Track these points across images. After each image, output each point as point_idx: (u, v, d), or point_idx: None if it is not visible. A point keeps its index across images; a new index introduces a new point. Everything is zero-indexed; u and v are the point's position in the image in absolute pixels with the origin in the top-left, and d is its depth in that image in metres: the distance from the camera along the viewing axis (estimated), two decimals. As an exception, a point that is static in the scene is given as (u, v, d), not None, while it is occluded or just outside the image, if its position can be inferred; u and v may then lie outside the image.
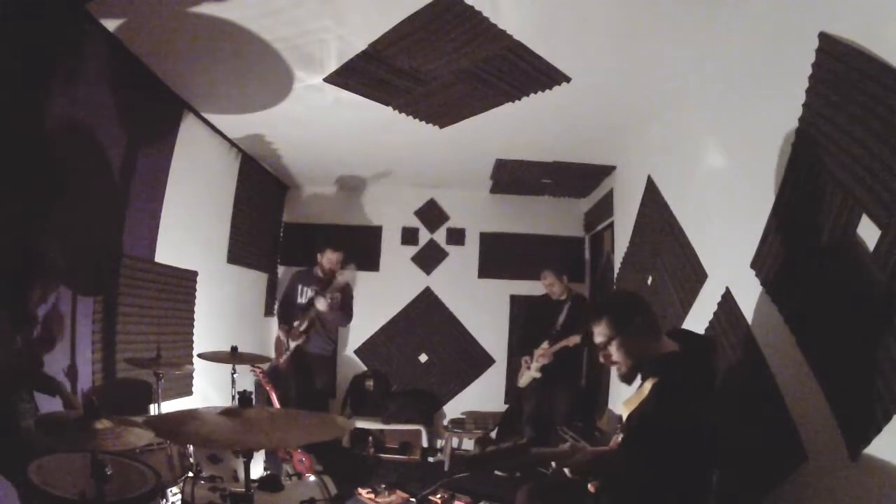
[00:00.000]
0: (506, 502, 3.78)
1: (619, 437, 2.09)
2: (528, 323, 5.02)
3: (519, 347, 4.98)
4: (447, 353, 5.68)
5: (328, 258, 4.60)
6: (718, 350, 2.35)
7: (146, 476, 1.79)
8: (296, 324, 4.49)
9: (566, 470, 2.02)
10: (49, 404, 2.20)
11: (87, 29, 2.54)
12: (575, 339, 4.44)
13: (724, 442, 2.25)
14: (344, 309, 4.58)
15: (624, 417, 2.06)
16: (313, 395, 4.51)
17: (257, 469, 3.08)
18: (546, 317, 4.70)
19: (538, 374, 4.56)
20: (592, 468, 2.00)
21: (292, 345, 4.47)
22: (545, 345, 4.57)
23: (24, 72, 2.21)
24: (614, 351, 1.99)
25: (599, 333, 2.01)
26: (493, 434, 5.21)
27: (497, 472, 4.34)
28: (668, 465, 1.76)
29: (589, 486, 2.02)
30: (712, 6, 2.33)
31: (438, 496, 3.87)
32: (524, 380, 4.71)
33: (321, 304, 4.39)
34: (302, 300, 4.61)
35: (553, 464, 2.05)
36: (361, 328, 5.62)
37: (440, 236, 5.80)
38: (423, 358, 5.69)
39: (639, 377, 2.03)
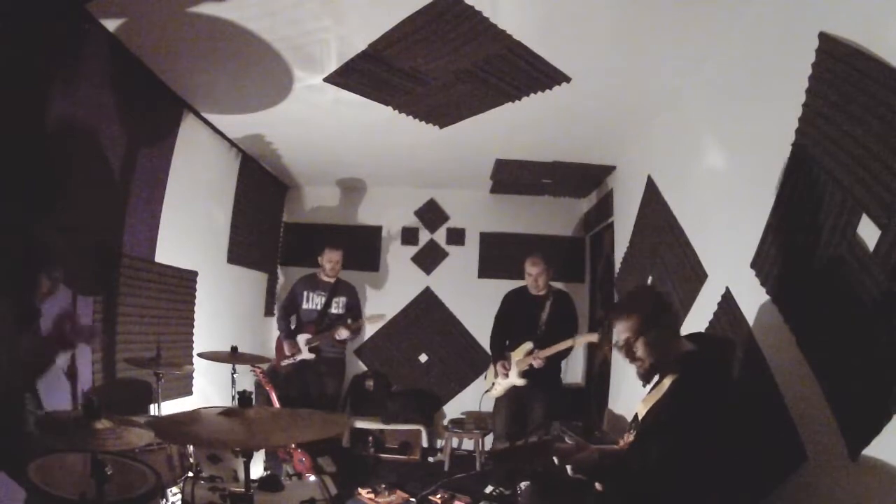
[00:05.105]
0: (506, 503, 3.80)
1: (631, 435, 2.09)
2: (503, 320, 4.24)
3: (493, 350, 4.20)
4: (447, 353, 5.68)
5: (328, 258, 4.62)
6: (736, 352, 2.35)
7: (146, 476, 1.79)
8: (301, 338, 4.48)
9: (568, 468, 2.01)
10: (53, 404, 2.21)
11: (87, 29, 2.54)
12: (592, 338, 3.84)
13: (723, 442, 2.25)
14: (359, 331, 4.64)
15: (640, 415, 2.05)
16: (324, 400, 4.46)
17: (257, 469, 3.08)
18: (521, 313, 4.09)
19: (522, 382, 3.91)
20: (598, 468, 1.99)
21: (298, 358, 4.45)
22: (528, 346, 3.92)
23: (24, 72, 2.21)
24: (640, 348, 1.97)
25: (626, 330, 1.99)
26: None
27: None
28: (680, 465, 1.76)
29: (596, 484, 2.02)
30: (712, 6, 2.33)
31: (438, 496, 3.87)
32: (501, 388, 4.01)
33: (342, 334, 4.43)
34: (309, 306, 4.59)
35: (556, 460, 2.04)
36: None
37: (440, 236, 5.80)
38: (423, 358, 5.69)
39: (656, 375, 2.03)
